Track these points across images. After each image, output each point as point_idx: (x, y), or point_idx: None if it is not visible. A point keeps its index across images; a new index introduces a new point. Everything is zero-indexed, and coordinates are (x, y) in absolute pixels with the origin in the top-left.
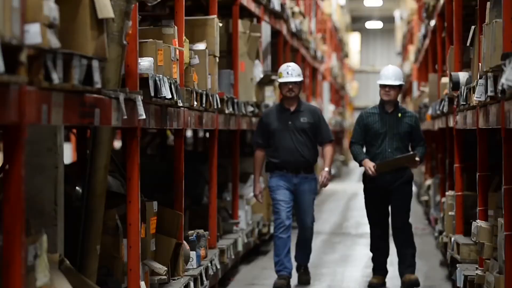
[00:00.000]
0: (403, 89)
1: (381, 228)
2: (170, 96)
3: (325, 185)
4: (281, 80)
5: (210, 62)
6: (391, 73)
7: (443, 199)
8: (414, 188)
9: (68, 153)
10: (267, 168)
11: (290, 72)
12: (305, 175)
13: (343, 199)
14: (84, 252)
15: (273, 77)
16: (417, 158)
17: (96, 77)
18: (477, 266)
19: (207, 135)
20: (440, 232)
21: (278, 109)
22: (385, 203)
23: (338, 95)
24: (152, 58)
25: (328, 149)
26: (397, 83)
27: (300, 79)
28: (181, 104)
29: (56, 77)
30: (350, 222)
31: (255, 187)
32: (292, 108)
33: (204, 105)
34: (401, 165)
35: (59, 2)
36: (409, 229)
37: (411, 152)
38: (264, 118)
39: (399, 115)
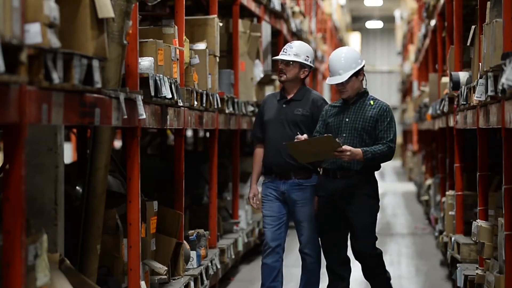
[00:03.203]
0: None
1: (338, 256)
2: (170, 96)
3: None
4: (274, 58)
5: (211, 61)
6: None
7: (443, 199)
8: (413, 189)
9: (68, 153)
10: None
11: (287, 49)
12: (297, 181)
13: None
14: (84, 252)
15: (273, 76)
16: (344, 147)
17: (96, 76)
18: (477, 266)
19: (207, 134)
20: (440, 232)
21: (277, 96)
22: (342, 221)
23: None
24: (152, 58)
25: None
26: (290, 58)
27: (293, 58)
28: (181, 104)
29: (56, 76)
30: None
31: (250, 189)
32: (289, 96)
33: (204, 105)
34: (323, 153)
35: (60, 1)
36: (375, 257)
37: (327, 135)
38: (262, 105)
39: (362, 106)
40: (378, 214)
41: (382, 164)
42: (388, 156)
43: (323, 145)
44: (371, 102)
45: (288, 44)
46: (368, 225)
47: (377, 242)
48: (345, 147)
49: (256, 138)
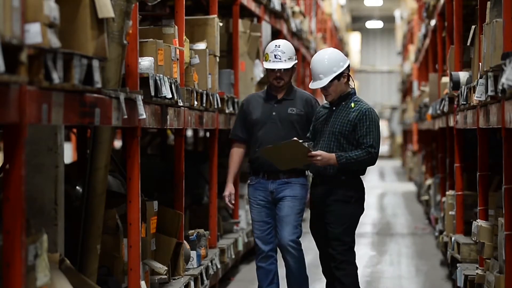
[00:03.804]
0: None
1: (329, 260)
2: (170, 96)
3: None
4: (267, 65)
5: (211, 61)
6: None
7: (444, 199)
8: (413, 188)
9: (68, 153)
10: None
11: (279, 55)
12: (286, 180)
13: None
14: (84, 251)
15: None
16: (315, 152)
17: (97, 76)
18: (477, 266)
19: (207, 134)
20: (441, 232)
21: (263, 96)
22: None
23: None
24: (152, 58)
25: None
26: (288, 66)
27: (291, 64)
28: (181, 104)
29: (56, 76)
30: None
31: (226, 188)
32: (280, 96)
33: (204, 105)
34: (298, 158)
35: (60, 1)
36: (346, 268)
37: (293, 139)
38: (245, 105)
39: (344, 109)
40: (378, 214)
41: (382, 165)
42: (367, 162)
43: (294, 150)
44: (352, 104)
45: (275, 48)
46: (340, 233)
47: (377, 242)
48: (316, 152)
49: (236, 137)
